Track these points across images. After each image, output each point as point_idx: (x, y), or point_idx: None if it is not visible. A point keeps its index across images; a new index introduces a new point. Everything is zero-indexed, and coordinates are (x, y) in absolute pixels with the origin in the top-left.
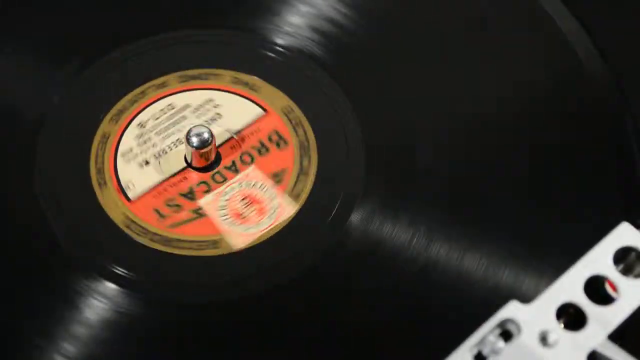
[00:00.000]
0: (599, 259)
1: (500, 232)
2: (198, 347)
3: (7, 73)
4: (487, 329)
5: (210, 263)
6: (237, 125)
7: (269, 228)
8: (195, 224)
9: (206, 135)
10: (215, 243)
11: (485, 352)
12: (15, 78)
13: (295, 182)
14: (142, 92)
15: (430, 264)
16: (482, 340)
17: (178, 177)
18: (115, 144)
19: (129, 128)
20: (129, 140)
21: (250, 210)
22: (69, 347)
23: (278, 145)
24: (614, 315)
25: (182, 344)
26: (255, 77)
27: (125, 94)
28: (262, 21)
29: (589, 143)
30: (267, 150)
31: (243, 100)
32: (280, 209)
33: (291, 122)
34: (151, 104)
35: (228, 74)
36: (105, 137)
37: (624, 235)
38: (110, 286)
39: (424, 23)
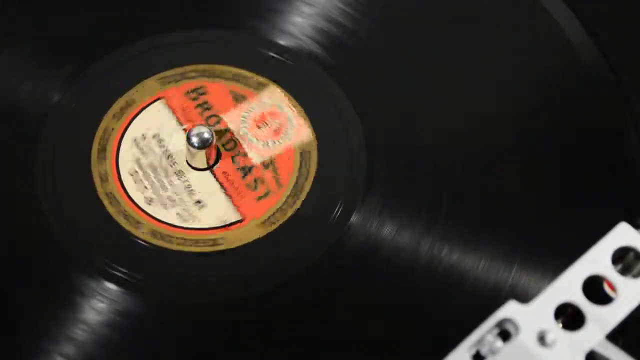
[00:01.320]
0: (597, 259)
1: (500, 232)
2: (198, 347)
3: (7, 73)
4: (486, 328)
5: (210, 263)
6: (173, 123)
7: (294, 111)
8: (279, 166)
9: (206, 134)
10: (302, 155)
11: (483, 351)
12: (15, 78)
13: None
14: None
15: (431, 264)
16: (481, 340)
17: (221, 178)
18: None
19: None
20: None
21: (271, 122)
22: (69, 347)
23: (201, 93)
24: (613, 315)
25: (182, 344)
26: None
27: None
28: (262, 21)
29: (588, 143)
30: (206, 102)
31: (145, 113)
32: (272, 98)
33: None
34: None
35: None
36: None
37: (622, 235)
38: (110, 286)
39: (425, 23)
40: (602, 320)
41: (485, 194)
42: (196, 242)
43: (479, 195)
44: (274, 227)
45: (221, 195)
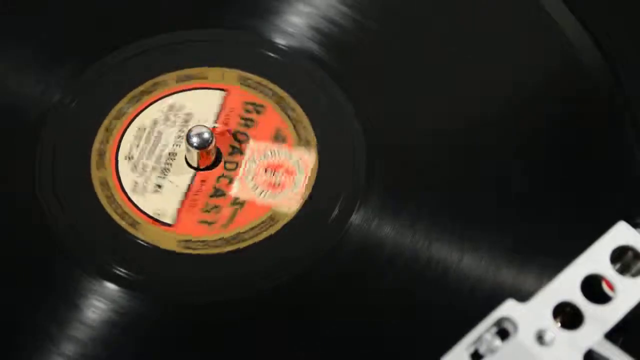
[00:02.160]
0: (596, 258)
1: (500, 232)
2: (198, 347)
3: (7, 73)
4: (484, 327)
5: (211, 263)
6: (211, 115)
7: (307, 180)
8: (243, 213)
9: (206, 134)
10: (272, 219)
11: (481, 350)
12: (15, 78)
13: (297, 132)
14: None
15: (431, 264)
16: (479, 339)
17: (196, 184)
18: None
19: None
20: (127, 174)
21: (279, 176)
22: (69, 347)
23: (258, 112)
24: (611, 314)
25: (182, 344)
26: (198, 68)
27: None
28: (262, 21)
29: (588, 142)
30: (252, 120)
31: (200, 92)
32: (302, 161)
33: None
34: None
35: (171, 77)
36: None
37: (621, 234)
38: (110, 286)
39: (425, 23)
40: (600, 319)
41: (485, 194)
42: (256, 227)
43: (479, 194)
44: (184, 250)
45: (179, 194)
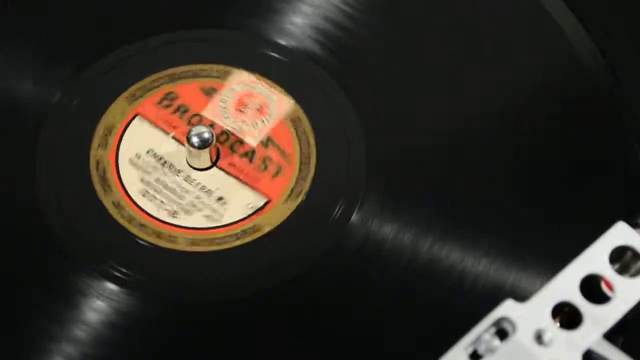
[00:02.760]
0: (595, 258)
1: (500, 232)
2: (198, 347)
3: (7, 73)
4: (483, 327)
5: (210, 263)
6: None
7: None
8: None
9: (206, 135)
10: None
11: (480, 350)
12: (15, 78)
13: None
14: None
15: (430, 264)
16: (478, 339)
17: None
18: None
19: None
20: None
21: (250, 105)
22: (69, 347)
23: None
24: (610, 314)
25: (182, 344)
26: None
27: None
28: (262, 21)
29: (588, 142)
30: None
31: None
32: (278, 104)
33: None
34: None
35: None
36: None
37: (620, 234)
38: (110, 286)
39: (425, 23)
40: (599, 319)
41: (485, 194)
42: (234, 236)
43: (479, 194)
44: (300, 198)
45: (238, 185)
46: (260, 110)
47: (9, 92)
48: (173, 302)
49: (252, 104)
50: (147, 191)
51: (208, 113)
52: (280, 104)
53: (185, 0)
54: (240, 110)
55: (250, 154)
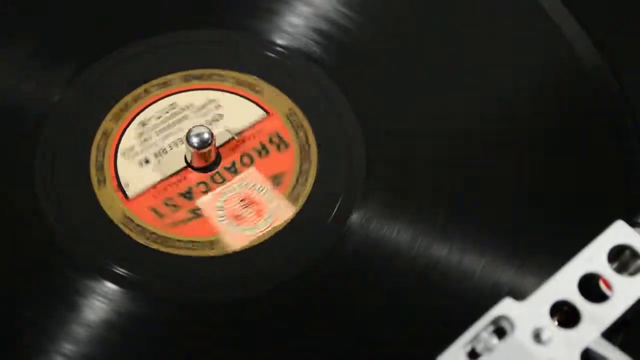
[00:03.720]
0: (593, 257)
1: (499, 232)
2: (198, 347)
3: (7, 73)
4: (481, 325)
5: (210, 263)
6: (238, 126)
7: (266, 231)
8: (193, 224)
9: (206, 135)
10: (211, 244)
11: (478, 349)
12: (15, 78)
13: (295, 185)
14: (145, 91)
15: (430, 264)
16: (476, 337)
17: (177, 177)
18: (115, 142)
19: (130, 126)
20: (130, 138)
21: (248, 211)
22: (69, 347)
23: (278, 147)
24: (608, 313)
25: (182, 344)
26: (258, 79)
27: (127, 93)
28: (262, 21)
29: (588, 142)
30: (268, 152)
31: (245, 102)
32: (278, 211)
33: (292, 124)
34: (154, 102)
35: (230, 75)
36: (106, 136)
37: (618, 233)
38: (110, 286)
39: (424, 23)
40: (597, 318)
41: (485, 194)
42: (193, 242)
43: (479, 194)
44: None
45: (157, 177)
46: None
47: (9, 92)
48: (173, 302)
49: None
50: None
51: (204, 205)
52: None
53: (185, 1)
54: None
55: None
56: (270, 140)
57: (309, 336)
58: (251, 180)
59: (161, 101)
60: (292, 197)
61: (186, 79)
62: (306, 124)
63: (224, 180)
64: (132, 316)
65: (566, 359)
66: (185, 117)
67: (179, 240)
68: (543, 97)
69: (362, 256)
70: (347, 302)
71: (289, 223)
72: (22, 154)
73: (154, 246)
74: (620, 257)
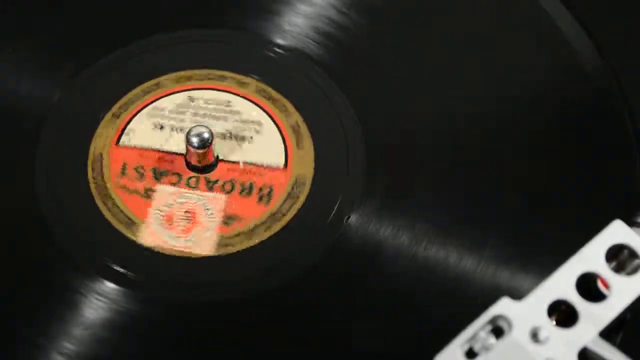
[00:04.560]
0: (591, 257)
1: (499, 232)
2: (198, 347)
3: (7, 73)
4: (479, 325)
5: (210, 263)
6: (256, 158)
7: (178, 249)
8: (136, 198)
9: (206, 135)
10: (132, 225)
11: (476, 348)
12: (15, 78)
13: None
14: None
15: (430, 264)
16: (474, 337)
17: (170, 157)
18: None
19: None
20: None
21: (182, 223)
22: (69, 347)
23: (260, 199)
24: (606, 312)
25: (182, 344)
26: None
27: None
28: (262, 21)
29: (588, 142)
30: (250, 194)
31: (277, 137)
32: (202, 242)
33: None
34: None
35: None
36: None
37: (616, 232)
38: (110, 286)
39: (424, 23)
40: (595, 317)
41: (485, 194)
42: (122, 213)
43: (478, 194)
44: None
45: None
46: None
47: (9, 92)
48: (173, 302)
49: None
50: None
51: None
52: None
53: (185, 1)
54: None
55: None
56: (261, 190)
57: (309, 336)
58: (212, 204)
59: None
60: (222, 245)
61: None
62: (306, 124)
63: (194, 188)
64: (132, 316)
65: (564, 358)
66: (229, 112)
67: (114, 204)
68: (543, 97)
69: (361, 256)
70: (346, 302)
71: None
72: (22, 154)
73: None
74: (618, 256)
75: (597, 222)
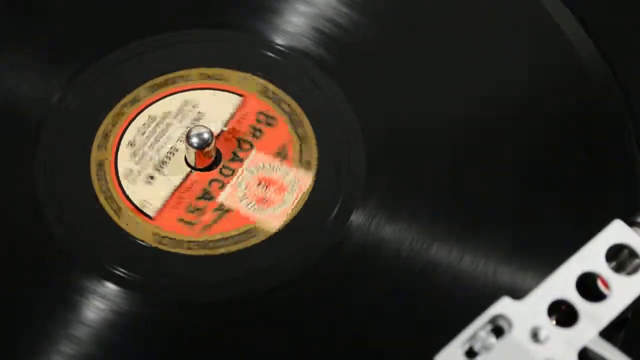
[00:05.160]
0: (591, 256)
1: (499, 232)
2: (198, 347)
3: (7, 73)
4: (479, 324)
5: (210, 263)
6: (222, 118)
7: (296, 201)
8: (224, 220)
9: (206, 135)
10: (252, 232)
11: (476, 347)
12: (15, 78)
13: (300, 152)
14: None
15: (429, 264)
16: (474, 336)
17: (187, 183)
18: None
19: (120, 150)
20: (124, 162)
21: (270, 191)
22: (69, 347)
23: (269, 124)
24: (606, 312)
25: (182, 344)
26: (221, 69)
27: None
28: (262, 21)
29: (588, 143)
30: (261, 131)
31: (218, 93)
32: (298, 181)
33: (272, 100)
34: (131, 121)
35: (195, 72)
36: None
37: (616, 232)
38: (110, 286)
39: (424, 22)
40: (595, 317)
41: (485, 193)
42: (234, 236)
43: (479, 194)
44: (157, 244)
45: (169, 189)
46: (263, 201)
47: (9, 93)
48: (173, 302)
49: (270, 193)
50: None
51: (256, 157)
52: (271, 217)
53: (185, 1)
54: (259, 183)
55: (207, 196)
56: (258, 120)
57: (309, 336)
58: (259, 161)
59: (138, 118)
60: (303, 164)
61: (154, 89)
62: (307, 123)
63: (233, 172)
64: (132, 316)
65: (564, 358)
66: (168, 125)
67: (219, 240)
68: (543, 97)
69: (362, 256)
70: (346, 301)
71: (288, 223)
72: (22, 154)
73: (196, 253)
74: (618, 256)
75: (597, 222)
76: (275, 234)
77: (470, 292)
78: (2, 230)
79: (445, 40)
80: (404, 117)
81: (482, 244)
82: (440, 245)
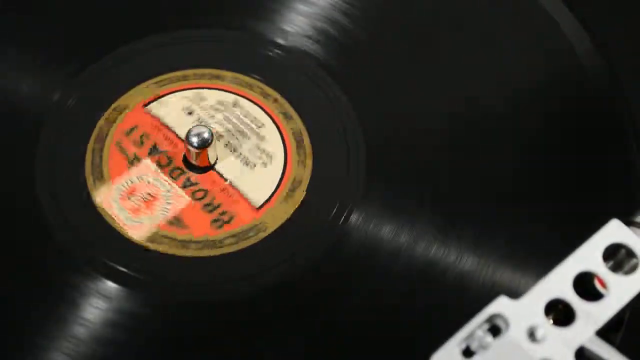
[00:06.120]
0: (588, 256)
1: (497, 231)
2: (198, 347)
3: (7, 73)
4: (476, 324)
5: (210, 263)
6: (243, 185)
7: (116, 222)
8: (121, 160)
9: (206, 135)
10: (100, 179)
11: (473, 347)
12: (15, 78)
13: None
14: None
15: (429, 264)
16: (471, 335)
17: (177, 141)
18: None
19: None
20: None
21: (138, 201)
22: (69, 347)
23: (215, 221)
24: (603, 311)
25: (182, 344)
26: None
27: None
28: (262, 21)
29: (588, 142)
30: (210, 212)
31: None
32: (138, 227)
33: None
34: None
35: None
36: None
37: (614, 232)
38: (110, 286)
39: (424, 22)
40: (592, 316)
41: (485, 194)
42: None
43: (479, 194)
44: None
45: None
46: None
47: (9, 92)
48: (173, 301)
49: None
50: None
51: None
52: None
53: (185, 1)
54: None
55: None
56: (221, 214)
57: (309, 336)
58: (174, 200)
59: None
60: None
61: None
62: (306, 122)
63: (175, 179)
64: (132, 316)
65: (561, 357)
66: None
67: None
68: (543, 97)
69: (361, 256)
70: (346, 301)
71: (287, 223)
72: (22, 154)
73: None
74: (615, 255)
75: (596, 221)
76: (275, 233)
77: (468, 291)
78: (1, 230)
79: (445, 40)
80: (404, 117)
81: (480, 243)
82: (440, 245)
